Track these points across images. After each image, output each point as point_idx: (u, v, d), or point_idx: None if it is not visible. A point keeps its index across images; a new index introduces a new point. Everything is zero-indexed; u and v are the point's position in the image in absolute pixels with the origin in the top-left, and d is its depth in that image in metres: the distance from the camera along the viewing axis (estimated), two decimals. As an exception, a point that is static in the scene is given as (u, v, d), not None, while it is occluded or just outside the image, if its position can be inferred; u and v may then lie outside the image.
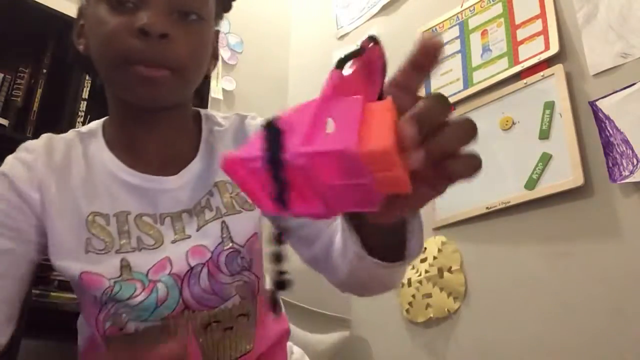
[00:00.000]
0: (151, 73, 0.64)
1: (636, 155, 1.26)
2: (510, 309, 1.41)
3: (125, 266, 0.67)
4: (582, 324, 1.27)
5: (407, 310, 1.64)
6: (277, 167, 0.28)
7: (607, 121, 1.32)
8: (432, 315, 1.58)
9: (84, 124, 1.37)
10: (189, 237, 0.70)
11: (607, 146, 1.31)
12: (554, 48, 1.48)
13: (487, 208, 1.50)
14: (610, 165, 1.30)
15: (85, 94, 1.75)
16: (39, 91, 1.71)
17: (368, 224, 0.44)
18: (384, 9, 2.11)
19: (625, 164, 1.27)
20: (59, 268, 0.67)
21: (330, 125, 0.29)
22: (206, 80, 0.78)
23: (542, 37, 1.52)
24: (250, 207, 0.74)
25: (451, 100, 1.70)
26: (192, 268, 0.69)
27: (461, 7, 1.79)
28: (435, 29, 1.86)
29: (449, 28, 1.81)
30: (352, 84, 0.33)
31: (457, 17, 1.80)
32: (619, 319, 1.21)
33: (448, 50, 1.79)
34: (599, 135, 1.33)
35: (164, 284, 0.67)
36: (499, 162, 1.52)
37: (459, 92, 1.70)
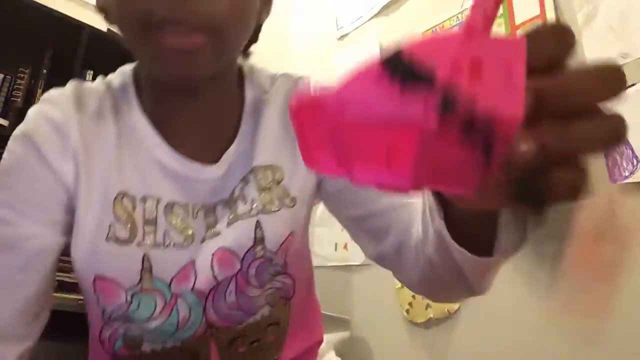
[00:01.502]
0: (183, 41, 0.48)
1: (636, 155, 1.26)
2: (510, 310, 1.41)
3: (146, 268, 0.56)
4: (581, 324, 1.27)
5: (407, 311, 1.64)
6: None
7: (607, 121, 1.32)
8: (432, 316, 1.58)
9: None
10: (219, 234, 0.59)
11: (607, 146, 1.31)
12: (554, 48, 1.47)
13: (487, 208, 1.50)
14: (610, 165, 1.30)
15: (85, 94, 1.76)
16: (39, 91, 1.72)
17: (454, 208, 0.37)
18: (384, 9, 2.11)
19: (625, 164, 1.27)
20: (73, 262, 0.57)
21: (477, 68, 0.21)
22: (257, 33, 0.64)
23: (542, 37, 1.52)
24: (291, 203, 0.61)
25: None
26: (218, 283, 0.59)
27: (461, 7, 1.79)
28: (436, 29, 1.86)
29: (449, 28, 1.81)
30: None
31: (457, 17, 1.80)
32: (618, 319, 1.21)
33: (448, 50, 1.79)
34: (599, 135, 1.33)
35: (185, 302, 0.58)
36: (499, 162, 1.52)
37: (459, 92, 1.70)
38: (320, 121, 0.22)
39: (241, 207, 0.60)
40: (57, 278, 1.45)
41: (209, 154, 0.60)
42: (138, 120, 0.59)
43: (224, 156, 0.60)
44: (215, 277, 0.58)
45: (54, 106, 0.58)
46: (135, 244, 0.56)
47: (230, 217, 0.60)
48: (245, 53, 0.67)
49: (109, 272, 0.56)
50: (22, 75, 1.75)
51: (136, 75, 0.62)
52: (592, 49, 1.41)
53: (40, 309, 0.56)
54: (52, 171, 0.55)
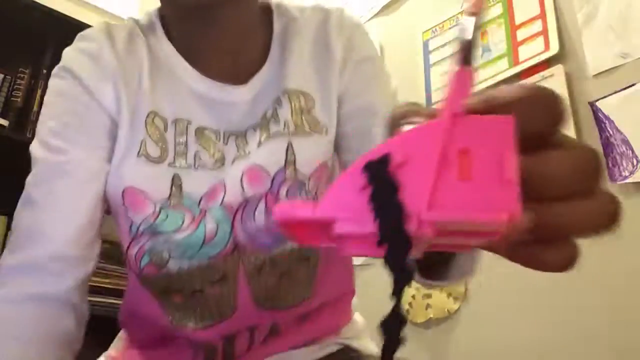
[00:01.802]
0: None
1: (636, 155, 1.26)
2: (509, 310, 1.41)
3: (176, 186, 0.57)
4: (581, 324, 1.27)
5: (407, 311, 1.64)
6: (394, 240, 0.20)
7: (607, 121, 1.32)
8: (432, 316, 1.58)
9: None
10: (249, 154, 0.59)
11: (607, 147, 1.31)
12: (554, 48, 1.48)
13: (487, 208, 1.50)
14: (610, 165, 1.30)
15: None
16: (39, 91, 1.72)
17: None
18: (384, 9, 2.11)
19: (625, 165, 1.27)
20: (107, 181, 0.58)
21: (465, 161, 0.20)
22: None
23: (542, 37, 1.52)
24: (322, 130, 0.61)
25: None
26: (247, 200, 0.58)
27: (461, 7, 1.79)
28: (436, 29, 1.86)
29: (449, 28, 1.81)
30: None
31: (457, 17, 1.80)
32: (619, 320, 1.21)
33: (448, 50, 1.79)
34: (599, 135, 1.33)
35: (213, 217, 0.57)
36: (499, 162, 1.52)
37: (459, 92, 1.70)
38: (305, 228, 0.22)
39: (273, 127, 0.60)
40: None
41: (238, 78, 0.61)
42: (166, 50, 0.62)
43: (253, 79, 0.61)
44: (244, 193, 0.58)
45: (86, 40, 0.62)
46: (166, 164, 0.57)
47: (262, 137, 0.60)
48: None
49: (139, 185, 0.57)
50: (22, 75, 1.75)
51: (161, 14, 0.65)
52: (592, 49, 1.41)
53: (94, 237, 0.58)
54: (94, 97, 0.58)
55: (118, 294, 1.55)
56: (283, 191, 0.58)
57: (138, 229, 0.57)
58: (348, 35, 0.64)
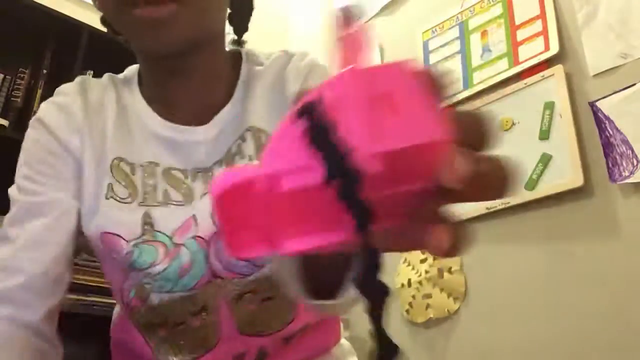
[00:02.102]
0: (153, 12, 0.52)
1: (636, 155, 1.26)
2: (510, 310, 1.41)
3: (148, 223, 0.59)
4: (581, 324, 1.27)
5: (407, 311, 1.64)
6: (347, 184, 0.20)
7: (607, 121, 1.33)
8: (432, 316, 1.58)
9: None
10: None
11: (607, 147, 1.31)
12: (554, 48, 1.48)
13: (487, 208, 1.50)
14: (610, 165, 1.30)
15: (85, 94, 1.75)
16: (39, 91, 1.72)
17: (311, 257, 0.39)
18: (384, 9, 2.11)
19: (625, 164, 1.27)
20: (82, 225, 0.61)
21: (387, 99, 0.20)
22: (246, 16, 0.73)
23: (542, 37, 1.53)
24: None
25: (451, 101, 1.70)
26: (219, 231, 0.59)
27: (461, 7, 1.79)
28: (436, 29, 1.86)
29: (449, 28, 1.81)
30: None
31: (457, 17, 1.80)
32: (619, 319, 1.21)
33: (448, 50, 1.80)
34: (598, 135, 1.33)
35: (187, 249, 0.59)
36: (499, 162, 1.52)
37: (459, 92, 1.70)
38: (246, 201, 0.21)
39: (239, 162, 0.63)
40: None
41: (203, 117, 0.64)
42: (134, 99, 0.66)
43: (216, 117, 0.64)
44: (216, 224, 0.59)
45: (60, 94, 0.67)
46: (136, 203, 0.60)
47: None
48: (240, 42, 0.72)
49: (112, 228, 0.59)
50: (22, 75, 1.75)
51: (139, 71, 0.68)
52: (592, 49, 1.41)
53: (64, 270, 0.60)
54: (62, 145, 0.62)
55: (118, 294, 1.55)
56: None
57: (124, 267, 0.60)
58: (304, 76, 0.68)
